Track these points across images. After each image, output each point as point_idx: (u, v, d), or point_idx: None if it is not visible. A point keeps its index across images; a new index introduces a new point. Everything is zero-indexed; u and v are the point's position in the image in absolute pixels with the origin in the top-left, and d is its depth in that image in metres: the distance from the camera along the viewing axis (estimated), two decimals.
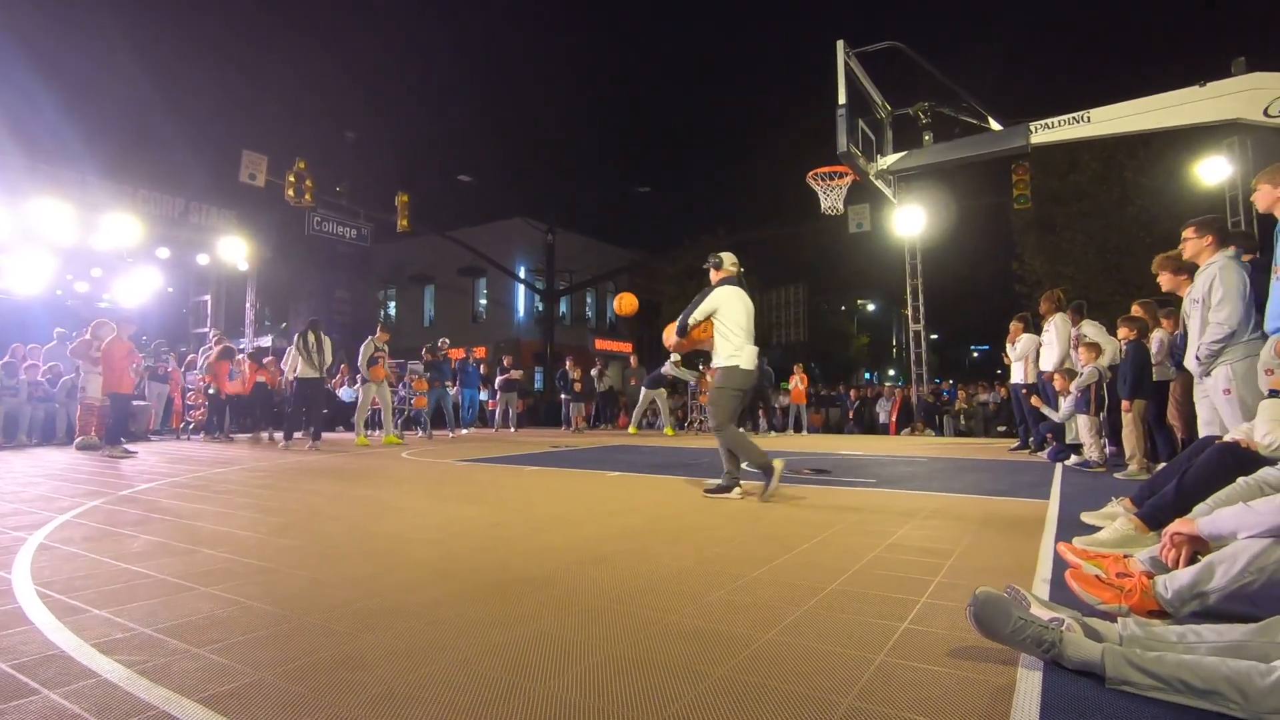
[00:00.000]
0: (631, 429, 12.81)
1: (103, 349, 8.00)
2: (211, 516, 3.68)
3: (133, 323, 8.55)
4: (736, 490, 4.39)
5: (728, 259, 4.64)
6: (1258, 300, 3.70)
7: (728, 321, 4.42)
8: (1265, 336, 3.71)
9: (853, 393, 18.19)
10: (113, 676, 1.54)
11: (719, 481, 4.46)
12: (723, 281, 4.54)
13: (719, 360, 4.48)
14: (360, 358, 9.69)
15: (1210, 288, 3.83)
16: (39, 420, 9.26)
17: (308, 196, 14.02)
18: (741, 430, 4.63)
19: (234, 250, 14.01)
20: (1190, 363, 4.02)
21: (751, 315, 4.53)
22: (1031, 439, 8.06)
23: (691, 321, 4.54)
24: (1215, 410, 3.84)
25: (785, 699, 1.43)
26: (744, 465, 4.46)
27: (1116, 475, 5.42)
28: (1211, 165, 11.09)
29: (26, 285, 12.49)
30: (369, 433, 11.22)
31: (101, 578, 2.40)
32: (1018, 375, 8.30)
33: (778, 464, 4.27)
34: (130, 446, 7.93)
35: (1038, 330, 7.91)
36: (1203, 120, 6.99)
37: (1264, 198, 3.25)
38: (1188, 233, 3.99)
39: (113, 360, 7.85)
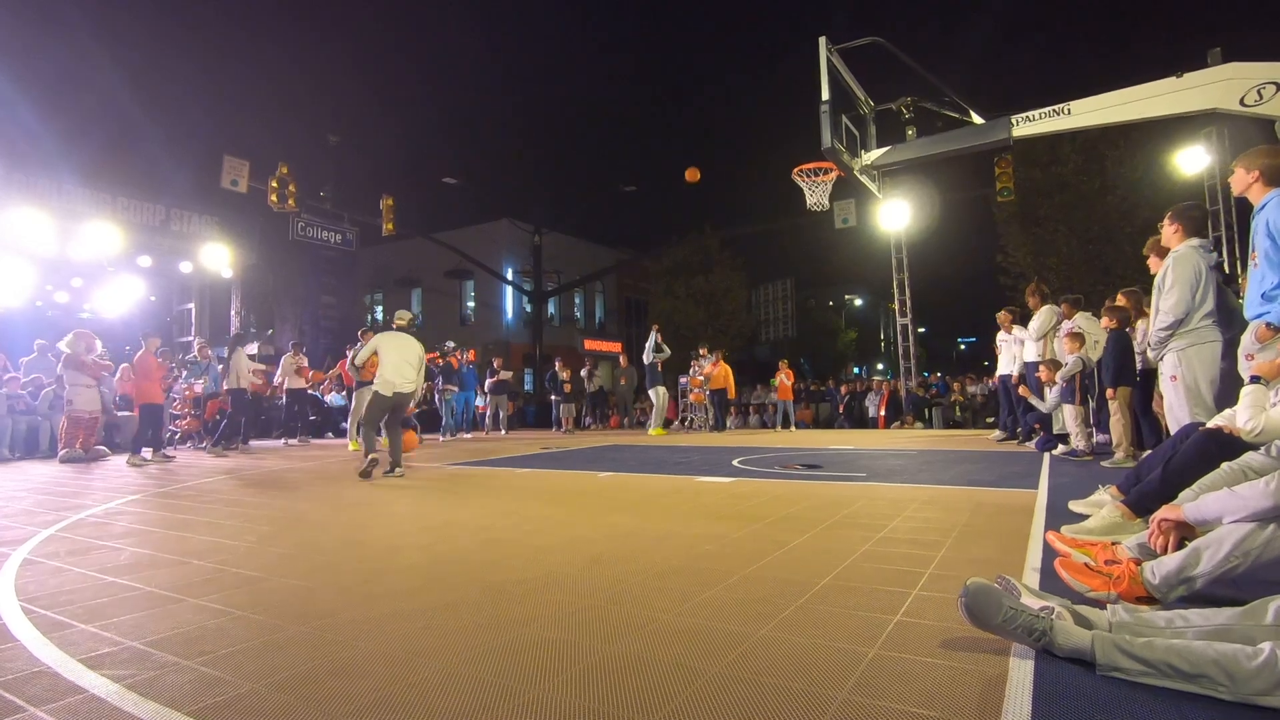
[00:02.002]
0: (658, 430, 12.70)
1: (136, 362, 8.34)
2: (199, 526, 3.64)
3: (156, 336, 8.91)
4: (376, 470, 5.70)
5: (397, 315, 6.37)
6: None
7: (382, 358, 6.06)
8: (1216, 324, 3.78)
9: (842, 387, 18.27)
10: (101, 691, 1.52)
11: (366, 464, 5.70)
12: (390, 329, 6.29)
13: (374, 384, 6.11)
14: (349, 361, 9.68)
15: (1164, 276, 3.92)
16: (21, 433, 9.12)
17: (291, 201, 13.90)
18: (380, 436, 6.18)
19: (217, 257, 13.85)
20: (1148, 351, 4.15)
21: (403, 353, 6.08)
22: (1019, 429, 8.13)
23: (359, 361, 6.58)
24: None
25: (780, 695, 1.43)
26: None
27: (1103, 463, 5.48)
28: (1190, 155, 11.25)
29: (5, 297, 12.30)
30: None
31: (88, 591, 2.36)
32: (1005, 366, 8.38)
33: (377, 467, 5.71)
34: (111, 456, 7.85)
35: (1025, 323, 7.99)
36: (1181, 111, 7.07)
37: (1239, 181, 3.29)
38: (1164, 219, 4.11)
39: (147, 371, 8.20)
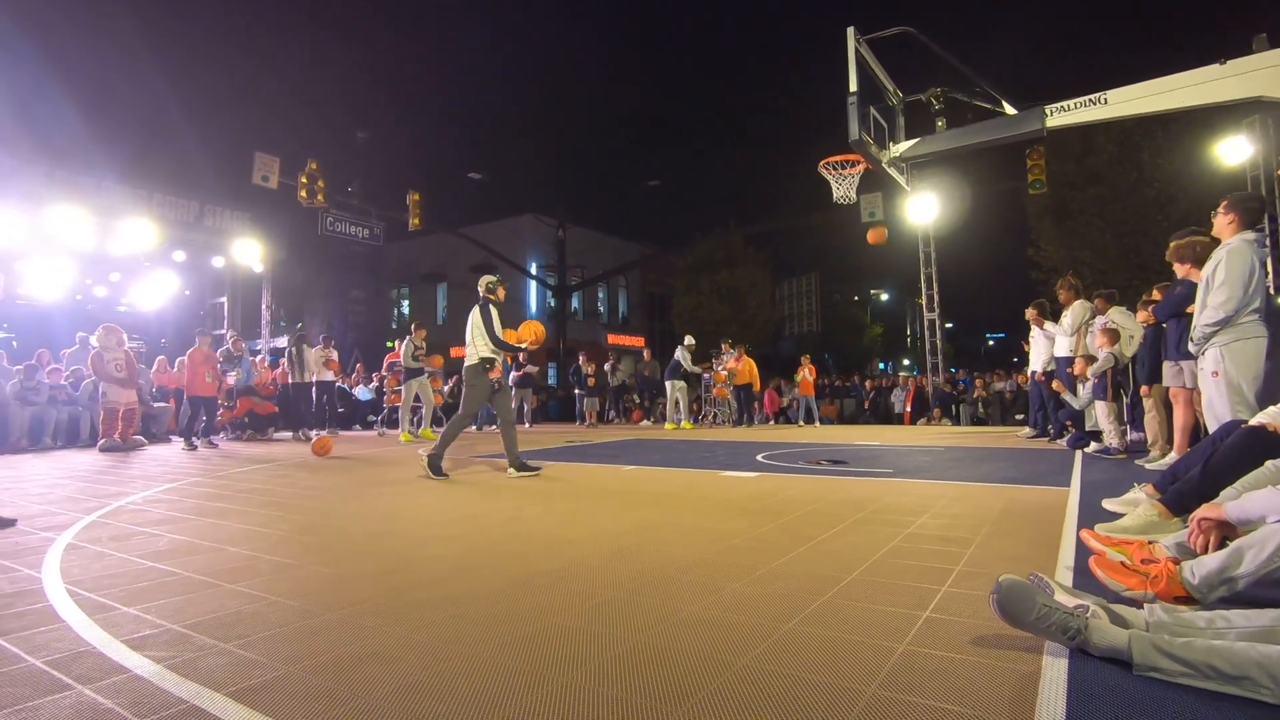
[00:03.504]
0: (669, 425, 12.74)
1: (186, 357, 9.15)
2: (234, 515, 3.73)
3: (208, 333, 9.67)
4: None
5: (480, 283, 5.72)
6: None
7: None
8: (1262, 320, 3.65)
9: (868, 383, 18.07)
10: (143, 671, 1.57)
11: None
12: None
13: None
14: (403, 355, 10.06)
15: (1215, 270, 3.78)
16: (63, 423, 9.42)
17: (320, 197, 14.11)
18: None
19: (249, 252, 14.13)
20: (1190, 345, 4.00)
21: (469, 325, 5.51)
22: (1050, 426, 7.98)
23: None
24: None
25: (808, 688, 1.43)
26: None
27: (1137, 462, 5.35)
28: (1232, 145, 10.88)
29: (47, 291, 12.69)
30: (389, 431, 11.44)
31: (129, 576, 2.44)
32: (1037, 362, 8.22)
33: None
34: (149, 445, 8.09)
35: (1056, 318, 7.82)
36: (1223, 99, 6.85)
37: None
38: (1218, 209, 3.93)
39: (194, 366, 8.99)
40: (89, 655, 1.68)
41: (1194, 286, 4.54)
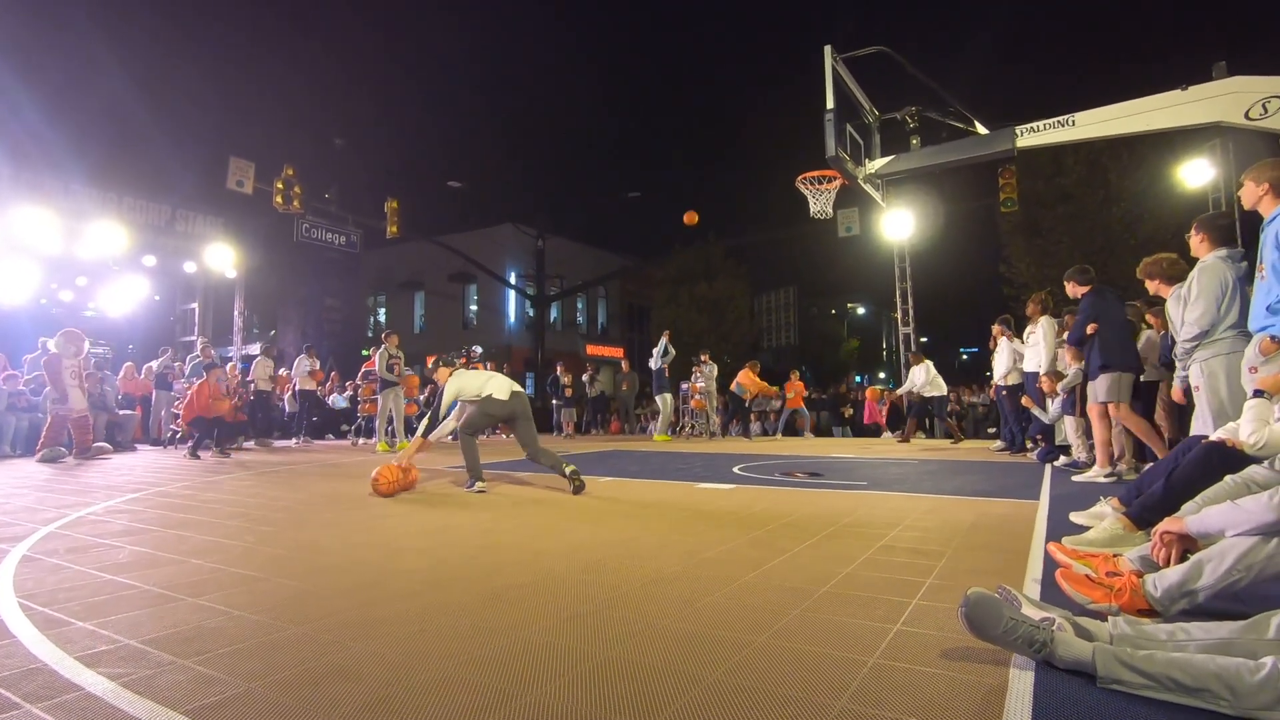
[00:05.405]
0: (665, 436, 12.72)
1: (194, 389, 8.90)
2: (198, 526, 3.64)
3: (218, 367, 9.46)
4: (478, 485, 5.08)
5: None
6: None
7: (482, 384, 5.25)
8: (1240, 335, 3.76)
9: (847, 394, 18.23)
10: (97, 689, 1.52)
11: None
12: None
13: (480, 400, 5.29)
14: (378, 365, 9.80)
15: (1189, 287, 3.90)
16: (23, 431, 9.12)
17: (296, 203, 13.93)
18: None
19: (221, 258, 13.90)
20: (1175, 361, 4.14)
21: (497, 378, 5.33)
22: (1003, 438, 8.15)
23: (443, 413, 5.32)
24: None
25: (778, 702, 1.43)
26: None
27: (1074, 478, 5.39)
28: (1194, 168, 11.25)
29: (11, 295, 12.36)
30: (363, 441, 11.28)
31: (86, 589, 2.36)
32: (1001, 377, 8.35)
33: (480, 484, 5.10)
34: (114, 454, 7.86)
35: (1021, 332, 7.97)
36: (1185, 124, 7.08)
37: (1248, 195, 3.29)
38: (1190, 230, 4.06)
39: (201, 394, 8.73)
40: (40, 672, 1.62)
41: (1096, 305, 5.00)
